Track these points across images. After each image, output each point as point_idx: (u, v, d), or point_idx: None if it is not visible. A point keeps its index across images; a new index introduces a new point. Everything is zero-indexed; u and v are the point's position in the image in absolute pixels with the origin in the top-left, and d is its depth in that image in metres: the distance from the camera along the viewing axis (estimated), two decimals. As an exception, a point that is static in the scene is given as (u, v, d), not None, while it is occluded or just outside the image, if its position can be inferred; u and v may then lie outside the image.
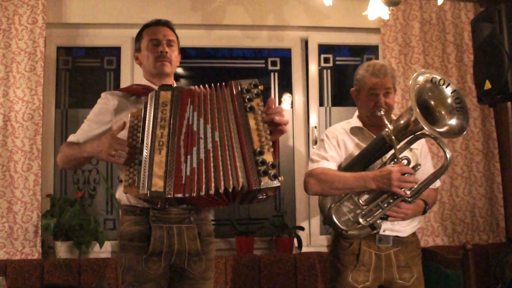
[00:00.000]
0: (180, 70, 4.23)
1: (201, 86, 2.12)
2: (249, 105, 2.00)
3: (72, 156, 2.33)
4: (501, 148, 3.81)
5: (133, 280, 2.25)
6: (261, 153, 1.92)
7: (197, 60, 4.19)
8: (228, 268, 3.52)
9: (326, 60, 4.14)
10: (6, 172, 3.52)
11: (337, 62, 4.17)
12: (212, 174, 1.91)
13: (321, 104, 4.07)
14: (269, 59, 4.15)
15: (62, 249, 3.55)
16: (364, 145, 2.56)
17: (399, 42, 3.90)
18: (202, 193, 1.89)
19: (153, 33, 2.45)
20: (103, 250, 3.65)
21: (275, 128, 2.03)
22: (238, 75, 4.19)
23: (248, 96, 2.01)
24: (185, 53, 4.16)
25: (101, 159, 2.21)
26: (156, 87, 2.31)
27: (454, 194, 3.88)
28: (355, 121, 2.67)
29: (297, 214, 3.93)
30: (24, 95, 3.57)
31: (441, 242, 3.82)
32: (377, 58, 4.11)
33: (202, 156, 1.95)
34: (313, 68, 4.04)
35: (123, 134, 2.13)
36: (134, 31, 3.80)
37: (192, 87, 2.13)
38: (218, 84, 2.09)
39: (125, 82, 3.84)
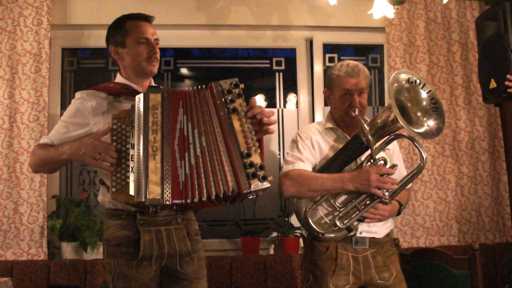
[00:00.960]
0: (185, 71, 4.23)
1: (188, 88, 2.09)
2: (231, 107, 1.98)
3: (49, 159, 2.19)
4: (507, 147, 3.80)
5: (125, 286, 2.18)
6: (249, 155, 1.92)
7: (202, 60, 4.19)
8: (233, 269, 3.52)
9: (331, 60, 4.13)
10: (12, 173, 3.53)
11: (342, 62, 4.16)
12: (203, 180, 1.91)
13: (326, 104, 4.04)
14: (274, 59, 4.15)
15: (68, 250, 3.57)
16: (338, 146, 2.53)
17: (404, 41, 3.89)
18: (196, 199, 1.90)
19: (141, 30, 2.32)
20: (108, 251, 3.65)
21: (260, 128, 2.02)
22: (243, 75, 4.19)
23: (230, 97, 1.99)
24: (190, 53, 4.17)
25: (83, 162, 2.10)
26: (135, 86, 2.29)
27: (460, 194, 3.86)
28: (328, 122, 2.62)
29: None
30: (29, 97, 3.58)
31: (447, 241, 3.81)
32: (382, 57, 4.11)
33: (193, 162, 1.94)
34: (318, 68, 4.03)
35: (105, 137, 2.07)
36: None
37: (181, 89, 2.11)
38: (199, 86, 2.05)
39: (130, 83, 3.85)
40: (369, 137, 2.34)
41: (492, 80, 3.30)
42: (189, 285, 2.28)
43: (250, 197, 1.93)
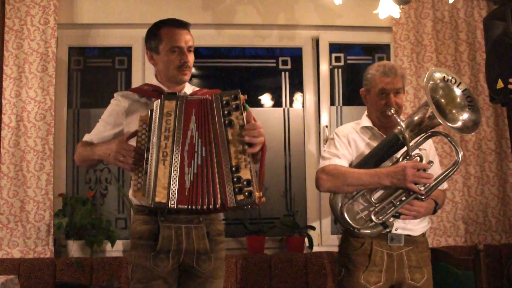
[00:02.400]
0: (192, 70, 4.24)
1: (203, 98, 2.12)
2: (227, 120, 2.01)
3: (85, 157, 2.37)
4: (514, 148, 3.77)
5: (141, 276, 2.27)
6: (238, 169, 1.97)
7: (209, 59, 4.19)
8: (238, 268, 3.53)
9: (337, 59, 4.12)
10: (19, 172, 3.55)
11: (348, 61, 4.15)
12: (200, 190, 2.00)
13: (332, 103, 4.05)
14: (280, 58, 4.14)
15: (74, 248, 3.59)
16: (374, 144, 2.56)
17: (411, 41, 3.87)
18: (199, 206, 2.00)
19: (175, 39, 2.36)
20: (114, 249, 3.67)
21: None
22: (249, 75, 4.20)
23: (227, 110, 2.02)
24: (197, 52, 4.17)
25: (109, 162, 2.23)
26: (166, 90, 2.36)
27: (467, 194, 3.84)
28: (365, 121, 2.66)
29: (308, 214, 3.93)
30: (36, 95, 3.60)
31: (453, 242, 3.79)
32: (388, 57, 4.09)
33: (195, 170, 2.01)
34: (324, 67, 4.02)
35: (134, 138, 2.18)
36: (145, 31, 3.86)
37: (197, 96, 2.12)
38: (205, 97, 2.08)
39: (136, 82, 3.86)
40: (405, 133, 2.37)
41: (499, 80, 3.28)
42: (203, 283, 2.34)
43: (244, 208, 2.01)
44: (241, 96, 2.05)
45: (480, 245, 2.72)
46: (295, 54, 4.11)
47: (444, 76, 2.40)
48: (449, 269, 2.81)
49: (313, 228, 3.82)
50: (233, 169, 1.97)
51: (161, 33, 2.39)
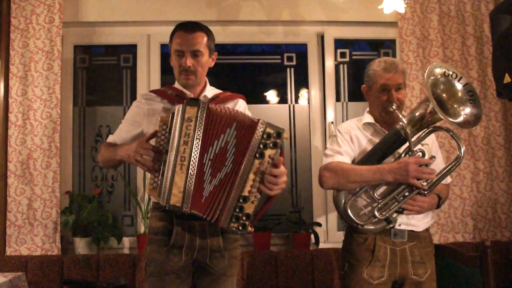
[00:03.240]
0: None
1: (226, 107, 2.14)
2: (260, 152, 2.01)
3: (108, 158, 2.41)
4: (523, 143, 3.72)
5: (154, 270, 2.29)
6: (245, 200, 2.02)
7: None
8: (245, 264, 3.53)
9: (343, 55, 4.10)
10: (25, 170, 3.58)
11: (353, 57, 4.12)
12: (216, 202, 2.07)
13: (337, 99, 4.03)
14: (285, 55, 4.13)
15: (80, 245, 3.61)
16: (376, 140, 2.55)
17: (417, 35, 3.84)
18: (209, 218, 2.10)
19: (177, 42, 2.36)
20: (121, 246, 3.70)
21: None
22: (255, 71, 4.20)
23: (264, 143, 2.01)
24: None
25: (130, 163, 2.26)
26: (187, 93, 2.39)
27: (476, 190, 3.81)
28: (367, 117, 2.65)
29: (314, 210, 3.92)
30: (42, 94, 3.62)
31: (462, 238, 3.76)
32: (394, 52, 4.06)
33: (216, 182, 2.07)
34: (330, 63, 4.00)
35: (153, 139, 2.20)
36: (150, 29, 3.91)
37: (218, 107, 2.13)
38: (251, 117, 2.09)
39: (141, 80, 3.88)
40: (407, 129, 2.36)
41: (506, 75, 3.24)
42: (216, 280, 2.34)
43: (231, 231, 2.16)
44: (285, 135, 2.04)
45: (487, 242, 2.69)
46: (300, 50, 4.09)
47: (445, 71, 2.39)
48: (456, 266, 2.78)
49: (319, 224, 3.81)
50: (241, 199, 2.02)
51: (173, 36, 2.41)
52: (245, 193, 2.02)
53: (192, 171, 2.03)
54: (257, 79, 4.20)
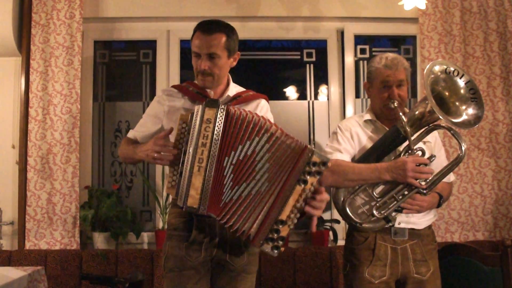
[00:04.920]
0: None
1: (249, 112, 2.11)
2: (303, 180, 1.98)
3: (128, 155, 2.40)
4: (546, 140, 3.66)
5: (174, 266, 2.28)
6: (282, 223, 1.99)
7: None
8: (262, 261, 3.51)
9: (363, 51, 4.07)
10: (45, 165, 3.60)
11: (373, 53, 4.09)
12: (239, 213, 2.04)
13: (357, 95, 4.01)
14: (305, 51, 4.11)
15: (99, 240, 3.63)
16: (377, 138, 2.52)
17: (438, 31, 3.79)
18: (223, 221, 2.06)
19: (194, 44, 2.31)
20: (139, 241, 3.72)
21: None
22: (274, 67, 4.18)
23: (309, 169, 1.98)
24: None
25: (149, 162, 2.27)
26: (209, 91, 2.36)
27: (497, 188, 3.76)
28: (368, 114, 2.62)
29: (332, 207, 3.89)
30: (62, 89, 3.64)
31: (482, 237, 3.71)
32: (415, 48, 4.02)
33: (244, 194, 2.03)
34: (349, 59, 3.98)
35: (172, 135, 2.18)
36: (170, 24, 3.92)
37: (238, 109, 2.09)
38: (296, 140, 2.04)
39: (160, 75, 3.89)
40: (407, 128, 2.34)
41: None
42: (235, 277, 2.32)
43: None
44: (329, 164, 2.02)
45: (508, 241, 2.65)
46: (320, 46, 4.07)
47: (446, 68, 2.35)
48: (475, 265, 2.74)
49: (338, 221, 3.78)
50: (279, 223, 1.99)
51: (193, 36, 2.35)
52: (283, 217, 1.98)
53: (210, 173, 2.01)
54: (276, 75, 4.18)
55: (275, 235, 1.99)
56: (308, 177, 1.97)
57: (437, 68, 2.35)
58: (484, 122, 3.75)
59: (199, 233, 2.27)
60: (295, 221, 2.02)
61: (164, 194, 3.65)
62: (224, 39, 2.29)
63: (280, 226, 1.98)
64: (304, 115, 4.05)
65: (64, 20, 3.67)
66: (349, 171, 2.42)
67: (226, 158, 2.03)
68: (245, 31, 3.97)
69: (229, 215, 2.04)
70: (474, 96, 2.34)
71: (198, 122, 2.03)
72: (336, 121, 3.92)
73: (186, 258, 2.26)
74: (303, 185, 1.97)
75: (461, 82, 2.36)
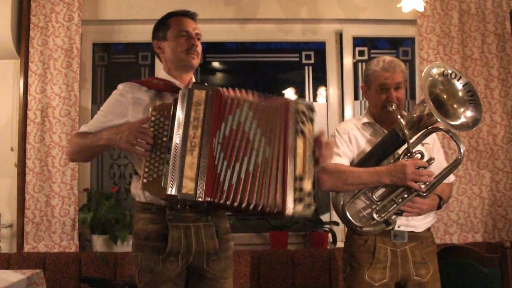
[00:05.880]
0: (216, 64, 4.25)
1: (243, 90, 2.07)
2: (300, 128, 1.96)
3: (86, 146, 2.18)
4: (544, 142, 3.67)
5: (150, 280, 2.17)
6: (301, 179, 1.92)
7: (231, 54, 4.19)
8: (261, 263, 3.51)
9: (361, 53, 4.08)
10: (44, 167, 3.60)
11: (372, 55, 4.09)
12: (256, 191, 1.92)
13: (356, 97, 4.01)
14: (304, 53, 4.12)
15: (98, 243, 3.63)
16: (376, 141, 2.52)
17: (437, 33, 3.80)
18: (236, 203, 1.90)
19: (183, 24, 2.34)
20: (138, 244, 3.69)
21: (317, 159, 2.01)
22: (273, 69, 4.18)
23: (302, 119, 1.97)
24: (224, 47, 4.18)
25: (119, 147, 2.09)
26: (177, 83, 2.28)
27: (495, 189, 3.76)
28: (366, 117, 2.62)
29: (331, 209, 3.89)
30: (61, 91, 3.64)
31: (481, 238, 3.72)
32: (413, 50, 4.03)
33: (251, 168, 1.94)
34: (348, 61, 3.99)
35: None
36: (168, 27, 3.90)
37: (227, 90, 2.06)
38: (275, 96, 2.04)
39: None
40: (405, 131, 2.33)
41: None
42: (214, 284, 2.26)
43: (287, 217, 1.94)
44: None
45: (507, 242, 2.65)
46: (319, 48, 4.08)
47: (443, 71, 2.35)
48: (474, 267, 2.74)
49: (337, 223, 3.78)
50: (297, 178, 1.92)
51: (169, 21, 2.37)
52: (300, 173, 1.92)
53: (205, 155, 1.91)
54: (275, 77, 4.19)
55: (301, 193, 1.91)
56: (303, 126, 1.96)
57: (434, 71, 2.34)
58: (482, 124, 3.76)
59: (175, 243, 2.16)
60: (313, 171, 1.95)
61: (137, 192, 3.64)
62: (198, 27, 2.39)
63: (302, 182, 1.92)
64: (303, 116, 4.04)
65: (63, 22, 3.67)
66: (349, 175, 2.42)
67: (214, 139, 1.96)
68: (244, 33, 3.98)
69: (240, 194, 1.93)
70: (472, 98, 2.34)
71: (185, 105, 1.97)
72: (335, 123, 3.92)
73: (163, 271, 2.16)
74: (302, 136, 1.95)
75: (459, 85, 2.35)
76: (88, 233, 3.68)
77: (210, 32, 3.96)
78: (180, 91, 2.02)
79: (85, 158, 2.37)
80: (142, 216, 2.22)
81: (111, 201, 3.64)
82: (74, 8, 3.68)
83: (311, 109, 1.99)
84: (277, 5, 3.92)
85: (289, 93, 4.15)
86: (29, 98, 3.63)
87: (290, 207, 1.89)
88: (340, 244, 3.74)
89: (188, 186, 1.88)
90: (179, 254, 2.18)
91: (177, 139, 1.92)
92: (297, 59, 4.12)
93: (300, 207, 1.90)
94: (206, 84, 2.05)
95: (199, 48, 2.35)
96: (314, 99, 4.08)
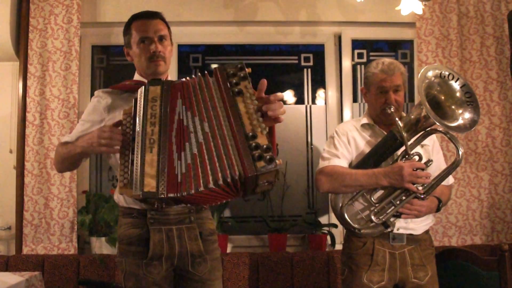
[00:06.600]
0: (215, 66, 4.25)
1: (192, 77, 1.99)
2: (236, 89, 1.87)
3: (65, 155, 2.20)
4: (543, 144, 3.67)
5: (135, 285, 2.18)
6: (254, 136, 1.79)
7: (230, 57, 4.19)
8: (260, 265, 3.51)
9: (360, 56, 4.08)
10: (43, 169, 3.60)
11: (371, 58, 4.09)
12: (208, 167, 1.79)
13: (354, 100, 4.01)
14: (302, 55, 4.12)
15: (97, 245, 3.62)
16: (375, 142, 2.53)
17: (436, 36, 3.80)
18: (201, 188, 1.78)
19: (143, 30, 2.28)
20: (137, 246, 3.69)
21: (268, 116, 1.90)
22: (272, 71, 4.17)
23: (234, 80, 1.89)
24: (223, 49, 4.17)
25: (95, 152, 2.09)
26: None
27: (494, 192, 3.76)
28: (365, 118, 2.63)
29: (330, 211, 3.89)
30: (60, 94, 3.64)
31: (480, 241, 3.72)
32: (412, 52, 4.03)
33: (195, 150, 1.83)
34: (347, 64, 3.99)
35: None
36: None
37: (183, 79, 1.99)
38: (205, 72, 1.96)
39: (158, 80, 3.88)
40: (403, 133, 2.34)
41: (526, 75, 3.21)
42: (201, 287, 2.25)
43: (262, 184, 1.81)
44: (248, 70, 1.92)
45: (505, 245, 2.65)
46: (318, 51, 4.08)
47: (440, 73, 2.35)
48: (473, 269, 2.74)
49: (335, 226, 3.78)
50: (249, 136, 1.79)
51: (131, 27, 2.33)
52: (249, 131, 1.80)
53: (164, 152, 1.84)
54: (274, 79, 4.18)
55: (258, 150, 1.77)
56: (238, 86, 1.87)
57: (430, 74, 2.34)
58: (481, 127, 3.76)
59: (157, 247, 2.16)
60: (263, 126, 1.81)
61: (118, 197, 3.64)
62: (164, 24, 2.34)
63: (256, 139, 1.79)
64: (302, 119, 4.05)
65: (62, 25, 3.67)
66: (346, 177, 2.43)
67: (173, 132, 1.89)
68: (243, 35, 3.99)
69: (198, 178, 1.79)
70: (470, 99, 2.34)
71: (143, 103, 1.93)
72: (333, 125, 3.91)
73: (147, 275, 2.17)
74: (240, 96, 1.86)
75: (456, 86, 2.36)
76: (86, 235, 3.68)
77: (209, 35, 4.00)
78: (139, 90, 1.98)
79: (68, 167, 2.33)
80: (124, 221, 2.24)
81: (109, 204, 3.63)
82: (73, 11, 3.68)
83: (241, 68, 1.90)
84: (276, 7, 3.92)
85: (288, 96, 4.15)
86: (28, 100, 3.63)
87: (252, 168, 1.74)
88: (338, 247, 3.74)
89: (150, 184, 1.80)
90: (163, 258, 2.18)
91: (138, 138, 1.89)
92: (296, 61, 4.12)
93: (261, 164, 1.74)
94: (162, 79, 2.01)
95: (167, 50, 2.30)
96: (313, 102, 4.08)
